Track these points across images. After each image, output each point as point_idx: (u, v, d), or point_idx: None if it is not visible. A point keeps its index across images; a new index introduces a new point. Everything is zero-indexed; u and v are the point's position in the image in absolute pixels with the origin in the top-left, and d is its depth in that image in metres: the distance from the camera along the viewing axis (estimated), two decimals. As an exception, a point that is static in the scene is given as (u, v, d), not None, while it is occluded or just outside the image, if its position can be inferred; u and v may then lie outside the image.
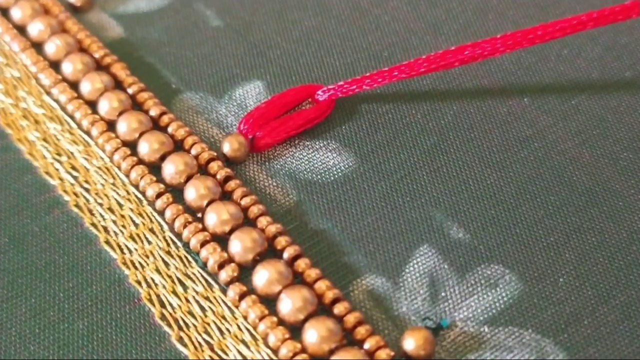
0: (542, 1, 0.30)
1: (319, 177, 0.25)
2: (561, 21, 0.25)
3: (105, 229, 0.24)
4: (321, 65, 0.28)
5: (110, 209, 0.24)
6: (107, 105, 0.26)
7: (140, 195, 0.25)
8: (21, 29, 0.29)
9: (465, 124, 0.26)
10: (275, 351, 0.21)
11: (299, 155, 0.26)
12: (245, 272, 0.23)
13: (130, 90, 0.27)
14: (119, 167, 0.25)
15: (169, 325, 0.22)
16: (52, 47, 0.28)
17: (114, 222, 0.24)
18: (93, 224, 0.24)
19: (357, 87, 0.26)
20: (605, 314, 0.22)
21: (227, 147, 0.25)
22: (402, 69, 0.26)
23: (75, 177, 0.25)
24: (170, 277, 0.23)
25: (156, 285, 0.23)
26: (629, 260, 0.23)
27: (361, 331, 0.21)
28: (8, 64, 0.28)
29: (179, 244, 0.24)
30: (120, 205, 0.24)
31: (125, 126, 0.26)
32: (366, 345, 0.21)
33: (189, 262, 0.23)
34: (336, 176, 0.25)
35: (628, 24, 0.29)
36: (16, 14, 0.29)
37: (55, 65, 0.28)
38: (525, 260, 0.23)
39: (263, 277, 0.22)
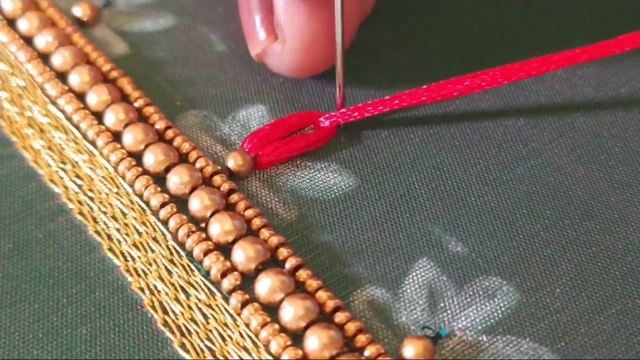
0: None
1: (320, 194, 0.26)
2: (563, 53, 0.26)
3: (109, 236, 0.24)
4: (322, 94, 0.29)
5: (114, 218, 0.25)
6: (113, 116, 0.27)
7: (144, 205, 0.25)
8: (28, 40, 0.29)
9: (462, 145, 0.27)
10: (276, 358, 0.22)
11: (300, 174, 0.26)
12: (247, 281, 0.23)
13: (136, 104, 0.27)
14: (123, 177, 0.26)
15: (172, 332, 0.22)
16: (59, 59, 0.28)
17: (118, 230, 0.24)
18: (97, 232, 0.24)
19: (358, 115, 0.27)
20: (602, 322, 0.22)
21: (231, 162, 0.26)
22: (402, 97, 0.26)
23: (79, 186, 0.26)
24: (173, 284, 0.23)
25: (159, 292, 0.23)
26: (625, 271, 0.23)
27: (361, 339, 0.22)
28: (13, 73, 0.28)
29: (182, 252, 0.24)
30: (124, 214, 0.25)
31: (131, 137, 0.26)
32: (366, 353, 0.22)
33: (191, 270, 0.24)
34: (337, 194, 0.26)
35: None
36: (23, 25, 0.30)
37: (61, 77, 0.28)
38: (522, 271, 0.24)
39: (265, 285, 0.23)
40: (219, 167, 0.26)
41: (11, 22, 0.30)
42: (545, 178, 0.26)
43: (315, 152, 0.27)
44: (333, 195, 0.26)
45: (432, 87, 0.26)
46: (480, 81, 0.26)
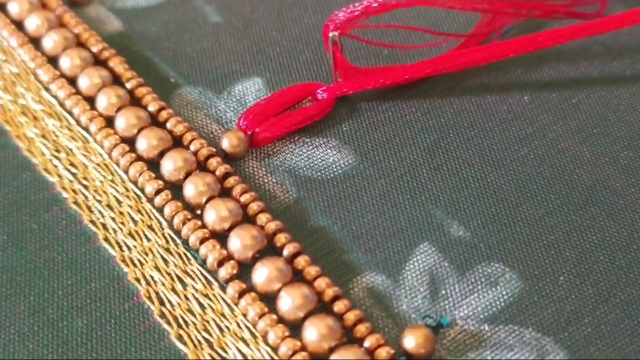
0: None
1: (318, 174, 0.25)
2: (567, 28, 0.26)
3: (104, 226, 0.24)
4: (320, 64, 0.28)
5: (109, 206, 0.24)
6: (105, 100, 0.26)
7: (139, 192, 0.25)
8: (19, 24, 0.29)
9: (465, 122, 0.26)
10: (274, 349, 0.21)
11: (298, 151, 0.26)
12: (244, 269, 0.23)
13: (128, 85, 0.27)
14: (117, 164, 0.25)
15: (168, 323, 0.22)
16: (50, 42, 0.28)
17: (113, 219, 0.24)
18: (92, 221, 0.24)
19: (358, 87, 0.26)
20: (606, 312, 0.22)
21: (226, 143, 0.25)
22: (405, 69, 0.26)
23: (74, 174, 0.25)
24: (169, 274, 0.23)
25: (155, 282, 0.23)
26: (630, 259, 0.23)
27: (361, 329, 0.21)
28: (7, 59, 0.28)
29: (178, 241, 0.24)
30: (119, 202, 0.24)
31: (124, 122, 0.26)
32: (366, 343, 0.21)
33: (188, 259, 0.23)
34: (336, 173, 0.25)
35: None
36: (13, 8, 0.29)
37: (53, 61, 0.28)
38: (525, 258, 0.23)
39: (263, 274, 0.22)
40: (214, 150, 0.25)
41: (2, 7, 0.29)
42: (549, 160, 0.25)
43: (314, 127, 0.26)
44: (332, 175, 0.25)
45: (436, 60, 0.26)
46: (485, 54, 0.26)
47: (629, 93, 0.27)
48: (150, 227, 0.24)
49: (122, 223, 0.24)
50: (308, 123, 0.26)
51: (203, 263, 0.23)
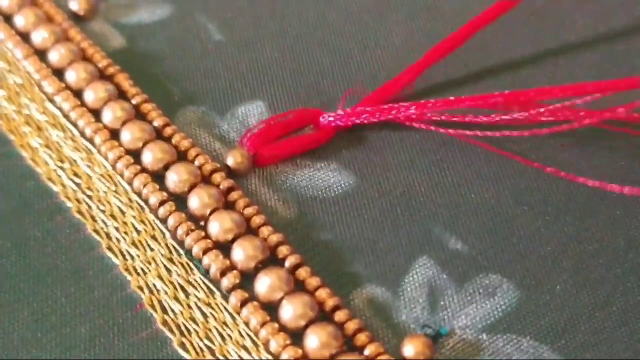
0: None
1: (319, 193, 0.25)
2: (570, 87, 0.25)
3: (108, 235, 0.24)
4: (322, 87, 0.28)
5: (113, 216, 0.25)
6: (111, 114, 0.26)
7: (142, 203, 0.25)
8: (24, 36, 0.29)
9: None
10: (276, 356, 0.22)
11: (300, 173, 0.26)
12: (247, 279, 0.23)
13: (134, 101, 0.27)
14: (121, 175, 0.25)
15: (171, 331, 0.22)
16: (56, 55, 0.28)
17: (116, 228, 0.24)
18: (95, 230, 0.24)
19: (357, 119, 0.26)
20: (603, 320, 0.22)
21: (230, 160, 0.26)
22: (406, 107, 0.26)
23: (77, 184, 0.25)
24: (172, 283, 0.23)
25: (158, 291, 0.23)
26: (626, 268, 0.23)
27: (361, 338, 0.22)
28: (11, 70, 0.28)
29: (181, 251, 0.24)
30: (123, 213, 0.25)
31: (129, 135, 0.26)
32: (366, 352, 0.21)
33: (190, 269, 0.23)
34: (337, 192, 0.25)
35: (624, 30, 0.29)
36: (19, 21, 0.29)
37: (58, 73, 0.28)
38: (522, 269, 0.23)
39: (265, 283, 0.23)
40: (218, 165, 0.26)
41: (8, 18, 0.30)
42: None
43: (315, 151, 0.26)
44: (333, 194, 0.25)
45: (438, 102, 0.26)
46: (488, 102, 0.25)
47: (625, 102, 0.27)
48: (153, 237, 0.24)
49: (126, 233, 0.24)
50: (312, 147, 0.26)
51: (206, 273, 0.23)
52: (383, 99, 0.27)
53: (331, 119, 0.27)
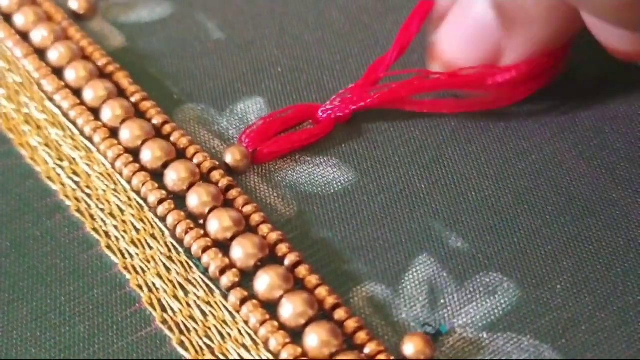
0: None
1: (319, 189, 0.25)
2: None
3: (107, 234, 0.24)
4: (321, 83, 0.28)
5: (112, 215, 0.25)
6: (110, 112, 0.26)
7: (141, 202, 0.25)
8: (24, 35, 0.29)
9: (463, 139, 0.27)
10: (276, 355, 0.22)
11: (299, 169, 0.26)
12: (246, 277, 0.23)
13: (132, 99, 0.27)
14: (120, 174, 0.25)
15: (170, 329, 0.22)
16: (55, 54, 0.28)
17: (115, 227, 0.24)
18: (94, 229, 0.24)
19: (355, 108, 0.26)
20: (603, 319, 0.22)
21: (229, 158, 0.26)
22: (402, 87, 0.26)
23: (76, 183, 0.25)
24: (171, 281, 0.23)
25: (157, 289, 0.23)
26: (626, 268, 0.23)
27: (361, 336, 0.22)
28: (10, 69, 0.28)
29: (180, 249, 0.24)
30: (122, 211, 0.25)
31: (128, 133, 0.26)
32: (366, 350, 0.21)
33: (190, 267, 0.23)
34: (336, 189, 0.25)
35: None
36: (19, 20, 0.29)
37: (57, 72, 0.28)
38: (523, 268, 0.23)
39: (264, 282, 0.23)
40: (217, 163, 0.26)
41: (7, 17, 0.30)
42: (546, 173, 0.26)
43: (314, 146, 0.26)
44: (332, 191, 0.25)
45: (435, 80, 0.26)
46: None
47: (625, 105, 0.28)
48: (152, 235, 0.24)
49: (125, 231, 0.24)
50: (311, 142, 0.26)
51: (205, 271, 0.23)
52: (373, 82, 0.27)
53: (329, 112, 0.26)
